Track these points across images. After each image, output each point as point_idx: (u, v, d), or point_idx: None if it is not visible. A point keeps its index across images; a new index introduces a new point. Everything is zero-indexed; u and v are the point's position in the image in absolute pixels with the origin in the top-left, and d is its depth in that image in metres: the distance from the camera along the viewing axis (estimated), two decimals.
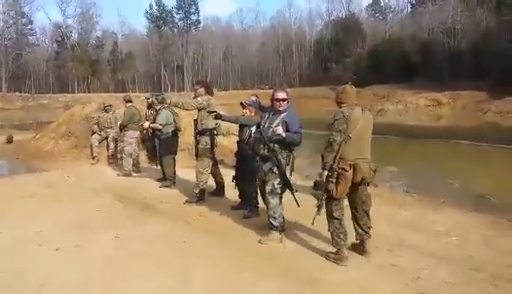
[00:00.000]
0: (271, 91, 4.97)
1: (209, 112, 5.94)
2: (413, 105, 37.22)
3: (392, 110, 36.35)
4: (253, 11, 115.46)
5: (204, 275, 3.97)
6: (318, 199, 4.29)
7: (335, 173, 4.04)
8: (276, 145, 4.60)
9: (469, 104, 33.96)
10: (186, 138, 10.19)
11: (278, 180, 4.66)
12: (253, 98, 5.85)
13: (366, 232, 4.37)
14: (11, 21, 68.01)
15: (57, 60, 72.01)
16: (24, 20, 70.77)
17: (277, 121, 4.63)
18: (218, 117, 5.62)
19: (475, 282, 3.84)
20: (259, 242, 4.79)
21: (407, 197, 7.60)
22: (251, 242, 4.85)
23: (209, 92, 6.48)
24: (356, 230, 4.40)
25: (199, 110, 6.34)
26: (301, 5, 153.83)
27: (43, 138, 12.80)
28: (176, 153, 8.11)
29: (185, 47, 74.68)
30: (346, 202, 4.35)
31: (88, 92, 65.40)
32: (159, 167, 8.34)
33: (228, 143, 10.39)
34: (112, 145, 10.36)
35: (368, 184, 4.37)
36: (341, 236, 4.22)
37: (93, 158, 10.48)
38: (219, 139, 7.01)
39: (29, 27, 72.81)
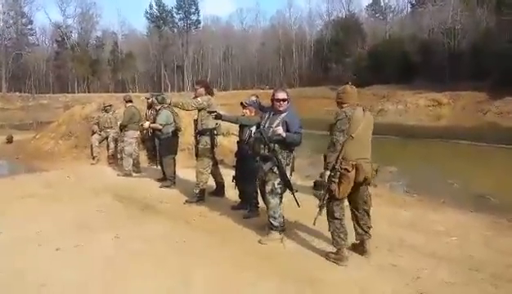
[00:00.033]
0: (272, 91, 4.97)
1: (209, 112, 5.94)
2: (413, 105, 37.21)
3: (392, 110, 36.35)
4: (253, 11, 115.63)
5: (204, 275, 3.97)
6: (320, 199, 4.29)
7: (338, 173, 4.04)
8: (276, 145, 4.60)
9: (469, 104, 33.95)
10: (186, 138, 10.19)
11: (278, 180, 4.66)
12: (254, 98, 5.86)
13: (366, 232, 4.37)
14: (11, 21, 68.01)
15: (57, 60, 71.97)
16: (24, 20, 70.80)
17: (277, 121, 4.63)
18: (218, 117, 5.63)
19: (475, 282, 3.84)
20: (259, 242, 4.79)
21: (407, 197, 7.60)
22: (251, 242, 4.85)
23: (209, 92, 6.48)
24: (356, 230, 4.40)
25: (199, 110, 6.34)
26: (301, 5, 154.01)
27: (43, 138, 12.80)
28: (176, 153, 8.11)
29: (185, 47, 74.68)
30: (346, 202, 4.35)
31: (88, 92, 65.37)
32: (159, 167, 8.34)
33: (228, 143, 10.40)
34: (112, 145, 10.36)
35: (369, 184, 4.37)
36: (341, 236, 4.22)
37: (93, 158, 10.49)
38: (219, 139, 7.01)
39: (29, 27, 72.91)
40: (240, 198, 6.22)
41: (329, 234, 4.36)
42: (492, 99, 32.11)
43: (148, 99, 9.27)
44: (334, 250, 4.30)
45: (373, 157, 4.26)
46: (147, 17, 78.63)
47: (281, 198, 4.76)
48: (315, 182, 7.66)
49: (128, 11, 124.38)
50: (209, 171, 6.55)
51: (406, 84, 42.43)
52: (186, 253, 4.55)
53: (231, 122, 5.99)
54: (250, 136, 5.59)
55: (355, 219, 4.38)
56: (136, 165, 9.32)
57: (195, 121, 6.50)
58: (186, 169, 8.65)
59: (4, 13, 66.47)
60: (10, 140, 14.73)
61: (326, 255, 4.34)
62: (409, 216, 6.03)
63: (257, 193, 5.54)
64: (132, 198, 6.95)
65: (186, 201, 6.61)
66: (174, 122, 7.93)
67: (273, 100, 4.72)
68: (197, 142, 6.49)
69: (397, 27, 62.08)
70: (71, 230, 5.27)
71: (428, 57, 44.85)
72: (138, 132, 9.15)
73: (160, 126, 7.77)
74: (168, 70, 74.97)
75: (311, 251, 4.55)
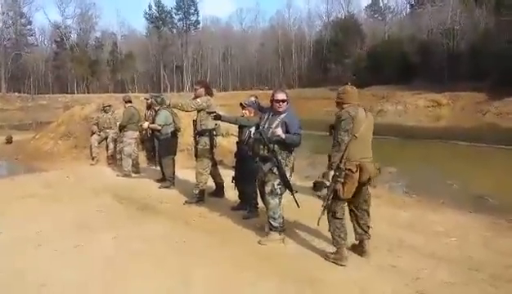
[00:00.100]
0: (271, 91, 4.98)
1: (209, 112, 5.96)
2: (412, 106, 37.25)
3: (391, 111, 36.39)
4: (253, 12, 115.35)
5: (203, 275, 3.98)
6: (324, 200, 4.30)
7: (343, 173, 4.05)
8: (275, 146, 4.61)
9: (469, 104, 33.99)
10: (186, 139, 10.19)
11: (278, 180, 4.66)
12: (253, 99, 5.87)
13: (366, 232, 4.38)
14: (11, 22, 67.94)
15: (56, 61, 71.93)
16: (23, 21, 70.75)
17: (277, 122, 4.64)
18: (218, 117, 5.65)
19: (475, 282, 3.85)
20: (259, 242, 4.80)
21: (407, 198, 7.61)
22: (251, 242, 4.85)
23: (209, 93, 6.48)
24: (355, 230, 4.41)
25: (198, 111, 6.34)
26: (300, 5, 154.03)
27: (43, 138, 12.79)
28: (175, 154, 8.11)
29: (184, 48, 74.71)
30: None
31: (88, 93, 65.35)
32: (158, 168, 8.35)
33: (228, 144, 10.40)
34: (111, 146, 10.36)
35: (370, 184, 4.38)
36: (342, 235, 4.23)
37: (93, 159, 10.48)
38: (218, 139, 7.03)
39: (29, 27, 72.92)
40: (239, 198, 6.22)
41: (328, 234, 4.37)
42: (491, 99, 32.15)
43: (147, 99, 9.29)
44: (334, 250, 4.31)
45: (373, 157, 4.27)
46: (146, 18, 78.74)
47: (281, 198, 4.77)
48: (314, 183, 7.63)
49: (128, 12, 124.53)
50: (209, 171, 6.55)
51: (405, 85, 42.46)
52: (185, 253, 4.56)
53: (231, 122, 6.01)
54: (250, 137, 5.59)
55: (355, 218, 4.39)
56: (136, 165, 9.32)
57: (195, 121, 6.50)
58: (186, 170, 8.65)
59: (3, 13, 66.44)
60: (9, 141, 14.73)
61: (326, 255, 4.35)
62: (408, 217, 6.04)
63: (256, 193, 5.54)
64: (132, 198, 6.96)
65: (186, 201, 6.61)
66: (173, 122, 7.94)
67: (272, 100, 4.73)
68: (196, 143, 6.49)
69: (396, 28, 62.16)
70: (71, 230, 5.28)
71: (428, 58, 44.91)
72: (137, 133, 9.17)
73: (159, 127, 7.77)
74: (167, 71, 74.97)
75: (310, 252, 4.55)
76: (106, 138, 10.41)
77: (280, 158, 4.61)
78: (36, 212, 6.14)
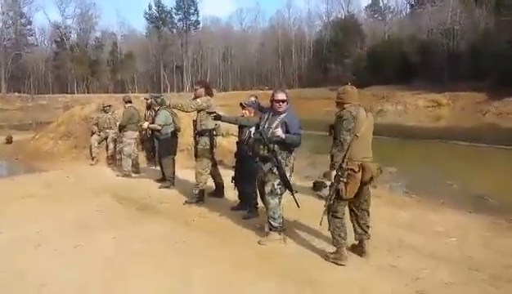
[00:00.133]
0: (271, 91, 4.98)
1: (209, 113, 5.96)
2: (412, 106, 37.24)
3: (391, 111, 36.37)
4: (253, 12, 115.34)
5: (203, 275, 3.98)
6: (326, 200, 4.29)
7: (346, 173, 4.06)
8: (275, 146, 4.61)
9: (469, 105, 33.98)
10: (186, 139, 10.19)
11: (278, 180, 4.66)
12: (253, 99, 5.87)
13: (366, 231, 4.38)
14: (11, 22, 67.95)
15: (56, 61, 71.95)
16: (23, 21, 70.77)
17: (277, 122, 4.64)
18: (218, 117, 5.65)
19: (475, 282, 3.85)
20: (259, 242, 4.80)
21: (407, 198, 7.61)
22: (251, 242, 4.85)
23: (209, 93, 6.48)
24: (355, 230, 4.41)
25: (198, 111, 6.34)
26: (300, 5, 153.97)
27: (43, 138, 12.79)
28: (175, 154, 8.11)
29: (184, 48, 74.73)
30: None
31: (88, 93, 65.35)
32: (157, 168, 8.35)
33: (227, 144, 10.40)
34: (111, 146, 10.36)
35: (371, 184, 4.39)
36: (342, 235, 4.24)
37: (92, 159, 10.48)
38: (218, 139, 7.02)
39: (29, 27, 72.95)
40: (239, 198, 6.22)
41: (328, 234, 4.37)
42: (491, 99, 32.14)
43: (147, 99, 9.28)
44: (333, 250, 4.31)
45: (373, 157, 4.27)
46: (146, 18, 78.79)
47: (281, 198, 4.76)
48: (314, 183, 7.68)
49: (128, 12, 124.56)
50: (209, 171, 6.55)
51: (405, 85, 42.45)
52: (185, 253, 4.56)
53: (231, 122, 6.01)
54: (250, 137, 5.58)
55: (355, 218, 4.39)
56: (136, 165, 9.32)
57: (195, 121, 6.49)
58: (186, 170, 8.64)
59: (3, 13, 66.46)
60: (9, 141, 14.72)
61: (325, 255, 4.35)
62: (408, 217, 6.04)
63: (256, 193, 5.54)
64: (132, 198, 6.96)
65: (186, 201, 6.61)
66: (173, 122, 7.94)
67: (272, 100, 4.73)
68: (196, 143, 6.49)
69: (396, 27, 62.16)
70: (71, 230, 5.28)
71: (428, 58, 44.91)
72: (137, 133, 9.17)
73: (159, 127, 7.77)
74: (167, 71, 74.98)
75: (310, 252, 4.55)
76: (106, 138, 10.41)
77: (280, 158, 4.61)
78: (36, 212, 6.14)
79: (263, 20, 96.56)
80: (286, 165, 4.68)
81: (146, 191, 7.50)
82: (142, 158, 9.93)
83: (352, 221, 4.41)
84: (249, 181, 5.61)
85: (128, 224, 5.57)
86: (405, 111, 36.47)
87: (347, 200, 4.21)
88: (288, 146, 4.65)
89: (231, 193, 6.53)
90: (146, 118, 8.92)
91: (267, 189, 4.70)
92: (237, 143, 6.15)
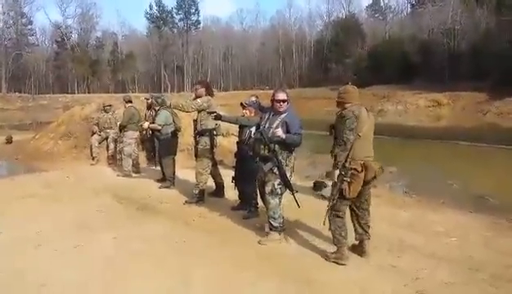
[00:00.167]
0: (271, 91, 4.97)
1: (209, 112, 5.96)
2: (413, 106, 37.19)
3: (392, 111, 36.33)
4: (253, 12, 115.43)
5: (203, 275, 3.98)
6: (329, 200, 4.28)
7: (349, 173, 4.05)
8: (276, 146, 4.60)
9: (469, 104, 33.92)
10: (186, 138, 10.20)
11: (278, 180, 4.65)
12: (253, 98, 5.87)
13: (366, 231, 4.38)
14: (11, 21, 67.93)
15: (57, 61, 71.97)
16: (24, 21, 70.75)
17: (277, 122, 4.63)
18: (218, 117, 5.64)
19: (475, 282, 3.85)
20: (259, 242, 4.79)
21: (407, 197, 7.60)
22: (251, 242, 4.85)
23: (210, 93, 6.48)
24: (356, 230, 4.40)
25: (198, 111, 6.34)
26: (301, 5, 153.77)
27: (43, 138, 12.79)
28: (175, 154, 8.11)
29: (185, 47, 74.71)
30: None
31: (88, 93, 65.31)
32: (158, 168, 8.35)
33: (228, 143, 10.40)
34: (112, 146, 10.36)
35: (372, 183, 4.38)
36: (343, 234, 4.23)
37: (93, 159, 10.48)
38: (219, 139, 7.02)
39: (29, 27, 72.88)
40: (239, 198, 6.22)
41: (329, 234, 4.36)
42: (492, 99, 32.08)
43: (148, 99, 9.29)
44: (334, 250, 4.31)
45: (373, 157, 4.27)
46: (147, 18, 78.69)
47: (281, 198, 4.76)
48: (315, 183, 7.67)
49: (128, 12, 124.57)
50: (209, 171, 6.55)
51: (405, 84, 42.39)
52: (185, 253, 4.56)
53: (231, 122, 6.01)
54: (250, 137, 5.58)
55: (355, 218, 4.39)
56: (136, 165, 9.32)
57: (195, 121, 6.49)
58: (186, 170, 8.65)
59: (4, 13, 66.49)
60: (9, 141, 14.73)
61: (326, 256, 4.34)
62: (408, 217, 6.04)
63: (256, 193, 5.54)
64: (132, 198, 6.96)
65: (186, 201, 6.61)
66: (174, 122, 7.94)
67: (273, 100, 4.73)
68: (197, 143, 6.49)
69: (397, 27, 62.07)
70: (71, 230, 5.27)
71: (428, 57, 44.84)
72: (138, 133, 9.17)
73: (159, 127, 7.77)
74: (168, 70, 74.95)
75: (311, 252, 4.55)
76: (107, 138, 10.41)
77: (280, 158, 4.61)
78: (36, 212, 6.14)
79: (264, 20, 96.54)
80: (287, 165, 4.68)
81: (147, 191, 7.50)
82: (143, 157, 9.93)
83: (352, 221, 4.41)
84: (250, 181, 5.61)
85: (128, 224, 5.57)
86: (405, 111, 36.42)
87: (350, 200, 4.20)
88: (288, 146, 4.65)
89: (232, 193, 6.53)
90: (147, 117, 8.93)
91: (268, 188, 4.70)
92: (237, 143, 6.15)
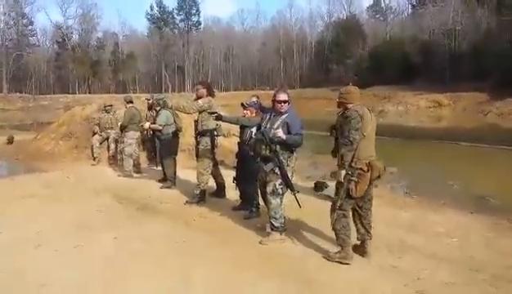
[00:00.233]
0: (272, 92, 4.97)
1: (210, 113, 5.95)
2: (414, 106, 37.18)
3: (392, 111, 36.32)
4: (254, 12, 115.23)
5: (204, 275, 3.97)
6: (336, 200, 4.27)
7: (356, 172, 4.05)
8: (277, 146, 4.60)
9: (470, 105, 33.90)
10: (187, 139, 10.19)
11: (280, 180, 4.65)
12: (254, 99, 5.87)
13: (369, 231, 4.37)
14: (12, 22, 68.00)
15: (58, 61, 72.03)
16: (24, 21, 70.82)
17: (278, 122, 4.63)
18: (219, 118, 5.64)
19: (476, 282, 3.84)
20: (260, 242, 4.79)
21: (408, 198, 7.60)
22: (252, 242, 4.84)
23: (211, 94, 6.48)
24: (358, 230, 4.40)
25: (200, 112, 6.34)
26: (302, 5, 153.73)
27: (44, 139, 12.79)
28: (176, 154, 8.11)
29: (186, 48, 74.75)
30: None
31: (89, 93, 65.35)
32: (159, 168, 8.35)
33: (229, 144, 10.40)
34: (113, 146, 10.36)
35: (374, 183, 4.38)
36: (348, 234, 4.23)
37: (94, 159, 10.47)
38: (220, 140, 7.02)
39: (30, 28, 72.95)
40: (240, 198, 6.21)
41: (329, 234, 4.35)
42: (493, 100, 32.05)
43: (148, 100, 9.28)
44: (335, 250, 4.30)
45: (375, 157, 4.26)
46: (148, 18, 78.74)
47: (282, 198, 4.76)
48: (316, 183, 7.67)
49: (129, 12, 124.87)
50: (210, 171, 6.55)
51: (406, 85, 42.38)
52: (186, 253, 4.55)
53: (232, 123, 6.01)
54: (251, 137, 5.58)
55: (358, 218, 4.37)
56: (137, 166, 9.32)
57: (196, 122, 6.49)
58: (187, 170, 8.65)
59: (5, 14, 66.57)
60: (10, 141, 14.74)
61: (328, 256, 4.33)
62: (409, 217, 6.03)
63: (257, 193, 5.53)
64: (133, 198, 6.95)
65: (187, 201, 6.61)
66: (174, 122, 7.94)
67: (274, 101, 4.72)
68: (197, 143, 6.49)
69: (398, 28, 62.10)
70: (71, 230, 5.27)
71: (429, 58, 44.83)
72: (138, 133, 9.17)
73: (160, 127, 7.77)
74: (168, 71, 75.00)
75: (312, 252, 4.54)
76: (108, 138, 10.41)
77: (281, 158, 4.60)
78: (36, 212, 6.14)
79: (265, 20, 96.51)
80: (288, 165, 4.67)
81: (147, 191, 7.50)
82: (143, 158, 9.92)
83: (354, 221, 4.39)
84: (251, 181, 5.60)
85: (128, 224, 5.56)
86: (406, 111, 36.42)
87: (355, 199, 4.20)
88: (290, 146, 4.65)
89: (233, 193, 6.52)
90: (148, 118, 8.93)
91: (269, 189, 4.70)
92: (238, 143, 6.15)
